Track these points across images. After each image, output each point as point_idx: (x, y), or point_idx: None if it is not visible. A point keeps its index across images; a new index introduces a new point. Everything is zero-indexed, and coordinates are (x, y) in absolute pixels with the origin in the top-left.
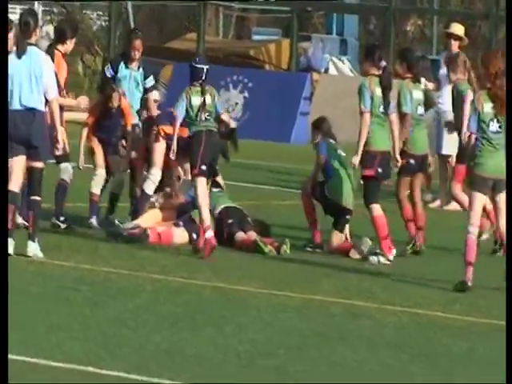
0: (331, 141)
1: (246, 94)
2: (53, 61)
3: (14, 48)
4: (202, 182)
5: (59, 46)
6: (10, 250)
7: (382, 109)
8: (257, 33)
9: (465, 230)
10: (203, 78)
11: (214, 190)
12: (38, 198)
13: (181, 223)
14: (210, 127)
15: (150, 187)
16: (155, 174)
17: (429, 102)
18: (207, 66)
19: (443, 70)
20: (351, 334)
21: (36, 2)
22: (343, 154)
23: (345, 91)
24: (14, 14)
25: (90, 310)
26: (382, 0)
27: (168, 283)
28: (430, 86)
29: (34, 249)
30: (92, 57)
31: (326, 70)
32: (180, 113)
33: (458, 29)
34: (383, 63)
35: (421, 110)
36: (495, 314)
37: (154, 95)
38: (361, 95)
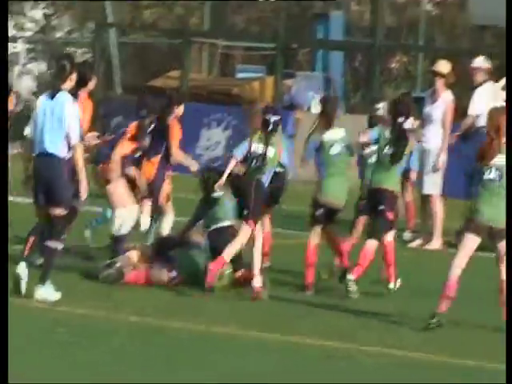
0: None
1: (230, 132)
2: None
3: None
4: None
5: (82, 89)
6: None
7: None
8: (241, 70)
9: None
10: (270, 128)
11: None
12: (54, 244)
13: (159, 262)
14: (258, 175)
15: (122, 229)
16: (121, 214)
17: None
18: (278, 117)
19: (429, 108)
20: (328, 376)
21: (20, 41)
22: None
23: None
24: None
25: (64, 353)
26: (367, 37)
27: (145, 325)
28: (415, 123)
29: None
30: None
31: (309, 108)
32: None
33: (442, 66)
34: None
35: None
36: (472, 354)
37: None
38: None
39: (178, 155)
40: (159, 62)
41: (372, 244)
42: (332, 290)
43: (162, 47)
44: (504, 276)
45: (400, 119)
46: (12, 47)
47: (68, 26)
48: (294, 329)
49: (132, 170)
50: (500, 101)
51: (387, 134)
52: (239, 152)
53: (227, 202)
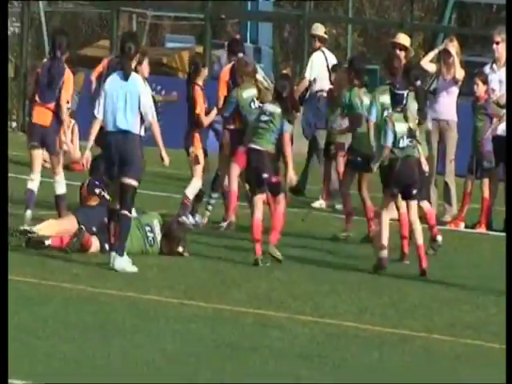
0: None
1: None
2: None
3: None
4: (391, 205)
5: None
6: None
7: None
8: (170, 40)
9: None
10: (404, 103)
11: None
12: (127, 212)
13: (94, 229)
14: (409, 154)
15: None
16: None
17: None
18: (407, 91)
19: None
20: (261, 344)
21: None
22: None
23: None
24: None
25: None
26: (296, 8)
27: (78, 292)
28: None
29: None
30: None
31: None
32: (390, 141)
33: (403, 39)
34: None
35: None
36: (406, 324)
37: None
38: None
39: (204, 119)
40: (89, 32)
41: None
42: (266, 259)
43: (91, 17)
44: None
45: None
46: None
47: None
48: (227, 298)
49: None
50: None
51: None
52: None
53: None
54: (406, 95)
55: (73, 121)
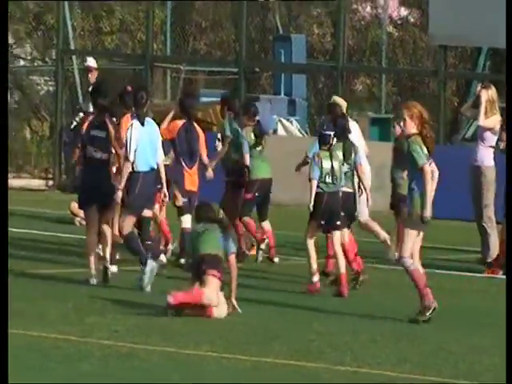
0: None
1: None
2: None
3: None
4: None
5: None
6: None
7: None
8: (204, 95)
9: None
10: (330, 143)
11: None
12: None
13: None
14: (333, 189)
15: None
16: None
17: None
18: (333, 132)
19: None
20: None
21: None
22: None
23: (293, 152)
24: None
25: (36, 377)
26: (329, 59)
27: (117, 349)
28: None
29: None
30: (39, 122)
31: (275, 131)
32: (316, 176)
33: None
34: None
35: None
36: (446, 373)
37: None
38: None
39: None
40: (123, 88)
41: None
42: (303, 311)
43: (125, 73)
44: None
45: None
46: None
47: (30, 54)
48: (266, 350)
49: None
50: None
51: None
52: (315, 173)
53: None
54: (332, 136)
55: None
